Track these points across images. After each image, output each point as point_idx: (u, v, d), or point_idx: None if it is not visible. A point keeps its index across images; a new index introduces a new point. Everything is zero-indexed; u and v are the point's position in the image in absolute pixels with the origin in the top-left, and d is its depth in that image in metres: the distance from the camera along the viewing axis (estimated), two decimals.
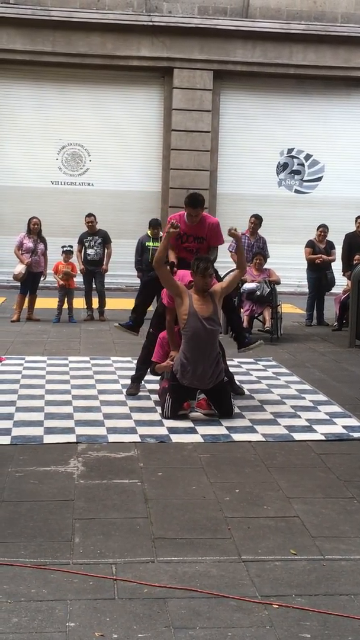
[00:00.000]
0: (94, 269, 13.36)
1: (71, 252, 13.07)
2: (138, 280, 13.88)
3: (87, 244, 13.41)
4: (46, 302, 12.95)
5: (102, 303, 13.19)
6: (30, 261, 12.69)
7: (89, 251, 13.37)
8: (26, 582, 3.80)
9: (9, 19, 16.58)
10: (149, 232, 13.52)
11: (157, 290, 7.96)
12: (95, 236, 13.42)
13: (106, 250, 13.44)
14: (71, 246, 13.18)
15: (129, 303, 14.57)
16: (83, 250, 13.46)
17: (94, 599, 3.66)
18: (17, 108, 17.47)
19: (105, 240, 13.44)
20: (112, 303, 14.07)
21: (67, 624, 3.42)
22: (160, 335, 7.62)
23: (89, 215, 13.54)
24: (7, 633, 3.34)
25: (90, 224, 13.41)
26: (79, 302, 12.95)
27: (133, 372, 8.04)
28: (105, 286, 13.67)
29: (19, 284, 12.91)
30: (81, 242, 13.51)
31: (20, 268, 12.70)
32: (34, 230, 12.84)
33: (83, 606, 3.59)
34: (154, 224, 13.49)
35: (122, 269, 16.19)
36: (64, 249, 13.03)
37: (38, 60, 17.15)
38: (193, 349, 6.84)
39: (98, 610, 3.56)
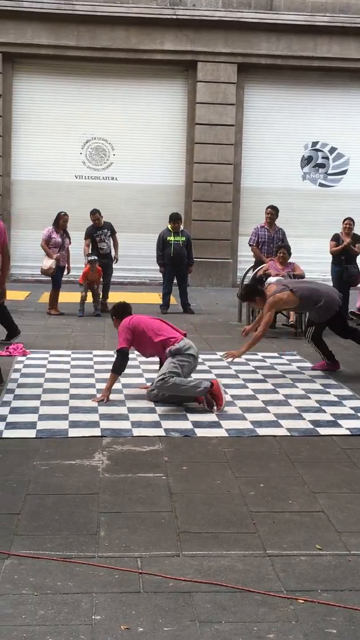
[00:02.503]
0: (108, 262, 13.43)
1: (95, 261, 13.02)
2: (160, 275, 13.90)
3: (97, 239, 13.39)
4: (71, 296, 12.98)
5: (104, 295, 13.29)
6: (58, 256, 12.71)
7: (102, 245, 13.38)
8: (52, 575, 3.83)
9: (34, 14, 16.62)
10: (169, 227, 13.50)
11: None
12: (104, 229, 13.44)
13: (113, 241, 13.56)
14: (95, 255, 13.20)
15: (151, 297, 14.67)
16: (93, 245, 13.44)
17: (120, 592, 3.67)
18: (40, 102, 17.50)
19: (112, 231, 13.53)
20: (134, 297, 14.06)
21: (93, 617, 3.44)
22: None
23: (94, 212, 13.44)
24: (33, 625, 3.36)
25: (97, 220, 13.38)
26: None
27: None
28: (128, 280, 13.66)
29: (50, 279, 12.89)
30: (91, 236, 13.44)
31: (50, 263, 12.67)
32: (63, 225, 12.86)
33: (109, 599, 3.60)
34: (175, 218, 13.47)
35: (145, 263, 16.20)
36: (90, 258, 12.98)
37: (62, 55, 17.17)
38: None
39: (124, 603, 3.57)
